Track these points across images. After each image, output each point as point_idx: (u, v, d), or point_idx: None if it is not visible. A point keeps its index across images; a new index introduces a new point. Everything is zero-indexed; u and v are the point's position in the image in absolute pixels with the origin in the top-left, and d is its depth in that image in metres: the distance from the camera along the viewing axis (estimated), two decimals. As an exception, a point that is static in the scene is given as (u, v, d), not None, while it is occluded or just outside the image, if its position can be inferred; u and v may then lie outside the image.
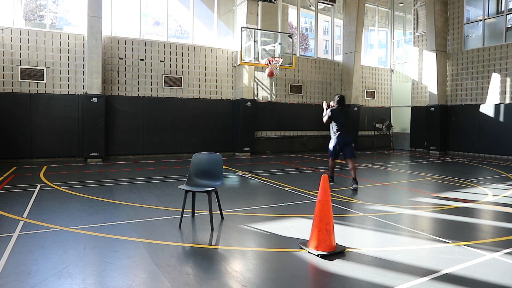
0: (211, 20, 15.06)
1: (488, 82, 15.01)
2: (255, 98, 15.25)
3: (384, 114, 19.08)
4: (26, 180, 8.06)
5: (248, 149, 14.55)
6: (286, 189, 7.42)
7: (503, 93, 14.48)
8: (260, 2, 14.48)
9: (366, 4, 17.61)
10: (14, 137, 11.35)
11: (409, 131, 18.24)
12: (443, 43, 16.37)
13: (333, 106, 7.84)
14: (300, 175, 9.40)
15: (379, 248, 4.11)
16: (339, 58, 17.99)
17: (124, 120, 12.94)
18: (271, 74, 12.90)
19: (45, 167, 10.26)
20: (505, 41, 14.60)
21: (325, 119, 7.76)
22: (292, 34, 14.60)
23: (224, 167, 8.79)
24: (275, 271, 3.49)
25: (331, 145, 7.77)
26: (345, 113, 7.74)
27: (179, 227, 4.68)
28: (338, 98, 7.76)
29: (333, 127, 7.74)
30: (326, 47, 21.24)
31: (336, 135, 7.65)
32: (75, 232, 4.48)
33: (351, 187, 7.42)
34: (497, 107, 14.53)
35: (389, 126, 18.76)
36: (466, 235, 4.57)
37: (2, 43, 11.32)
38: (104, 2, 12.14)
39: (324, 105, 8.08)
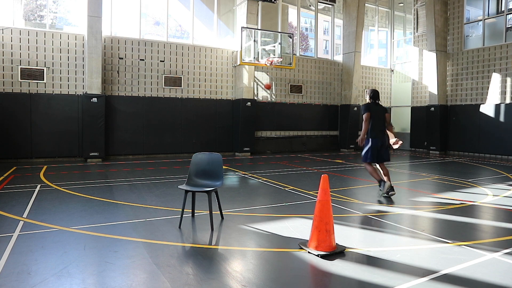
0: (211, 20, 15.06)
1: (488, 82, 15.01)
2: (255, 98, 15.25)
3: (384, 114, 19.06)
4: (26, 180, 8.06)
5: (248, 149, 14.55)
6: (286, 189, 7.42)
7: (503, 93, 14.48)
8: (260, 2, 14.47)
9: (366, 4, 17.61)
10: (14, 137, 11.35)
11: (409, 131, 18.23)
12: (443, 43, 16.37)
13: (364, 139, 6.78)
14: (300, 175, 9.39)
15: (379, 248, 4.10)
16: (339, 58, 17.99)
17: (124, 120, 12.94)
18: (268, 87, 13.51)
19: (45, 167, 10.26)
20: (505, 41, 14.60)
21: (364, 126, 6.64)
22: (292, 34, 14.60)
23: (224, 167, 8.79)
24: (275, 271, 3.49)
25: (365, 149, 6.76)
26: (381, 109, 6.78)
27: (179, 227, 4.68)
28: (371, 93, 6.81)
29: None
30: (326, 47, 21.21)
31: (373, 136, 6.65)
32: (75, 232, 4.48)
33: (386, 194, 6.69)
34: (497, 107, 14.53)
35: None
36: (466, 235, 4.57)
37: (2, 43, 11.32)
38: (104, 2, 12.14)
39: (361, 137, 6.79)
